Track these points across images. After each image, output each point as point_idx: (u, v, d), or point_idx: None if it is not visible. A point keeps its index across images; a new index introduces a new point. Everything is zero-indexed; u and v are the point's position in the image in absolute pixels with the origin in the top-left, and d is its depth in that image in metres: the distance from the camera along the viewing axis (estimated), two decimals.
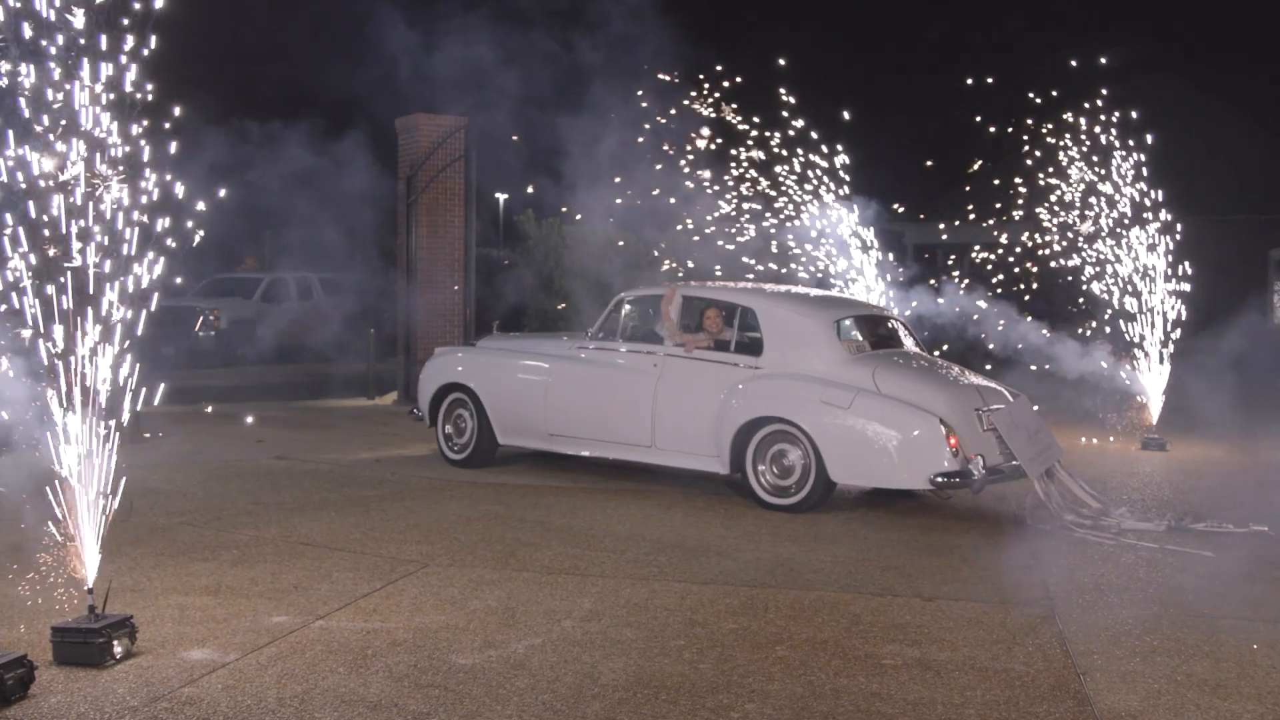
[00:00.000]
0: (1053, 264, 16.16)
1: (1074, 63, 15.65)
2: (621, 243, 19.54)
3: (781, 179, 15.65)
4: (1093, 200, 15.24)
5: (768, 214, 15.92)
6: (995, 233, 19.16)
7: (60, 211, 5.88)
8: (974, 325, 16.16)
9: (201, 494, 10.15)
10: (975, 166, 17.36)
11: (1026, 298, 17.19)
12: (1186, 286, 14.99)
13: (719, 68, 15.96)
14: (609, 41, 16.01)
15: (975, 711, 5.43)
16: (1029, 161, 15.85)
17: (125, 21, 6.11)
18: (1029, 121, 15.82)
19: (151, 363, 6.49)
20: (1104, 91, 15.11)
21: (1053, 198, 15.65)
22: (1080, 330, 15.86)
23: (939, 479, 9.40)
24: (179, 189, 6.40)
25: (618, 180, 16.74)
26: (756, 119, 15.80)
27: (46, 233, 5.91)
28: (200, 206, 6.63)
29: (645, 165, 16.63)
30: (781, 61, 16.05)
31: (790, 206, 15.71)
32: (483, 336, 14.02)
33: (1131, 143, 14.97)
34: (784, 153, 15.61)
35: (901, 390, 9.90)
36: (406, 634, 6.38)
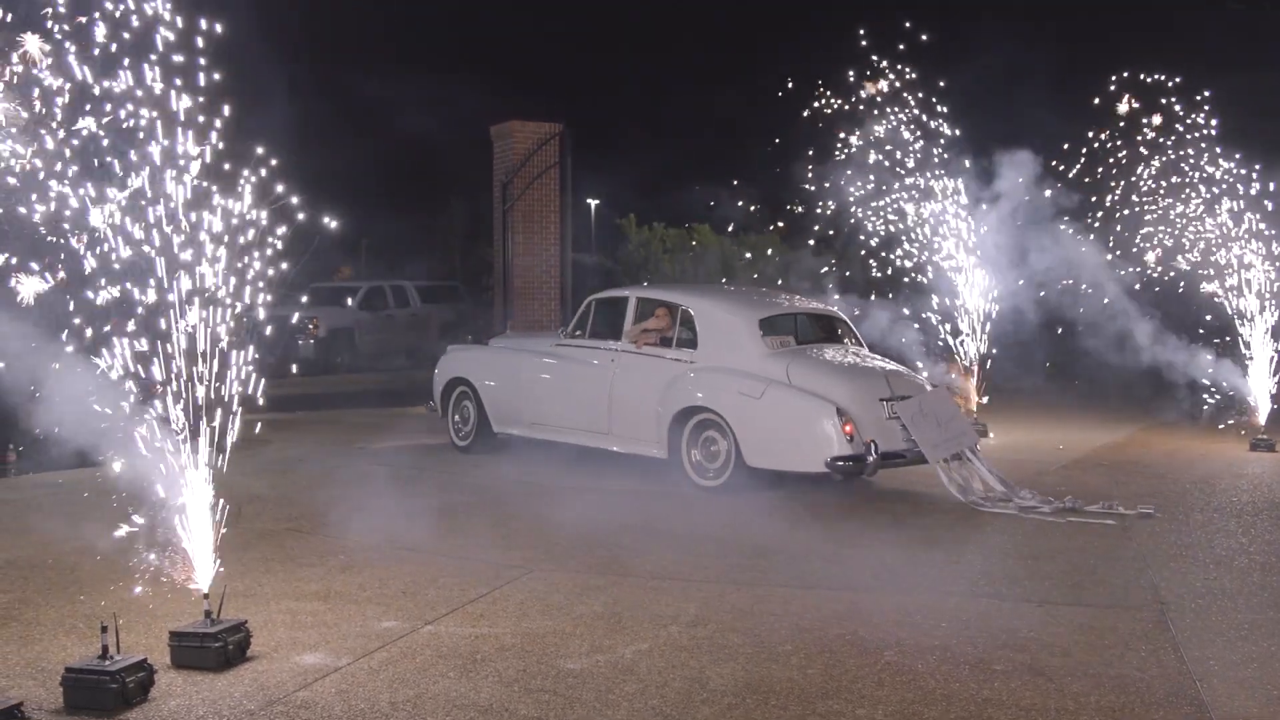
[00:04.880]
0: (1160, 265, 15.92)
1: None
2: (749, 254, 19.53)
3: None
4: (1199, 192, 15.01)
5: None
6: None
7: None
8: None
9: (306, 500, 10.29)
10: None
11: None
12: None
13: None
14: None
15: (1089, 718, 5.35)
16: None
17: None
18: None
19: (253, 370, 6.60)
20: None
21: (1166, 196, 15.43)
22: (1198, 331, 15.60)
23: (837, 462, 10.19)
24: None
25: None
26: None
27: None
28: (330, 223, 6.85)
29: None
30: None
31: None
32: (497, 335, 15.09)
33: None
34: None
35: (809, 382, 10.75)
36: (514, 639, 6.43)
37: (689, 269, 20.71)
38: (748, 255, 21.06)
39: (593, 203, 44.00)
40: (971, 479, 10.61)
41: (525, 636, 6.47)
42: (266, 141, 6.53)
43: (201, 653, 5.89)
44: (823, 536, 9.11)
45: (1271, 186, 14.65)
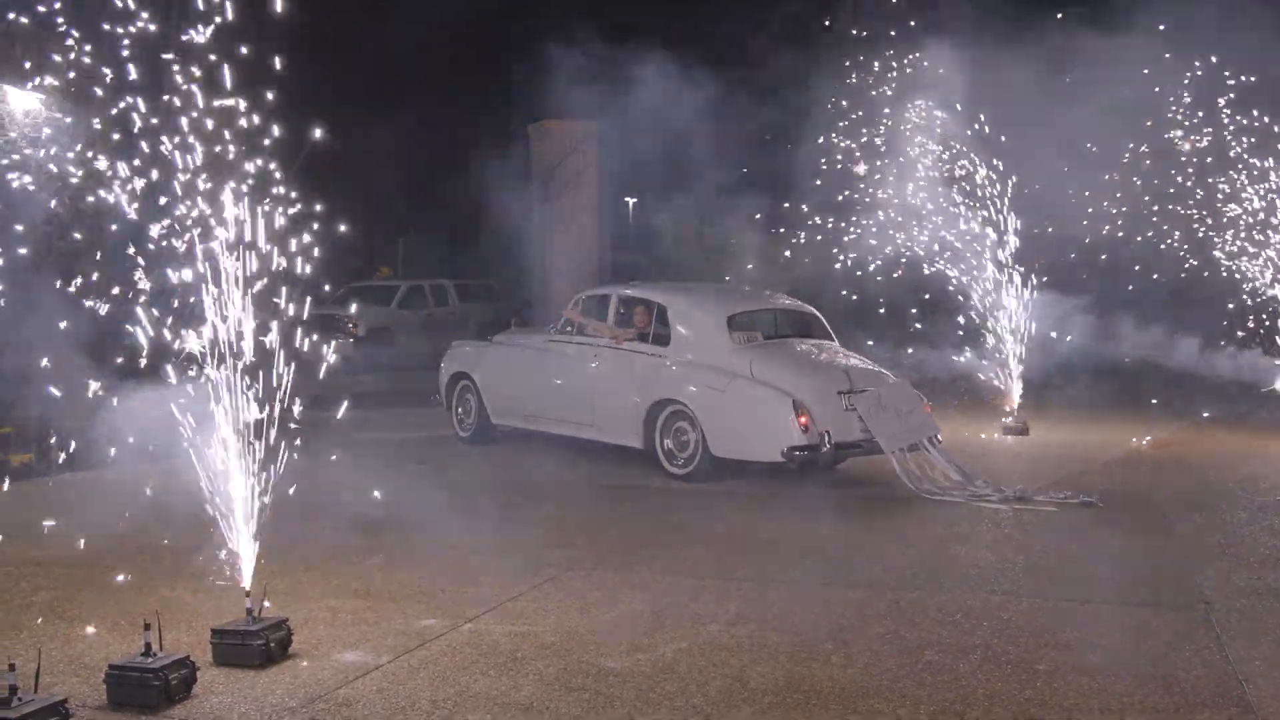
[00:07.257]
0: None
1: None
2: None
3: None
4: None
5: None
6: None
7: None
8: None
9: (344, 499, 10.29)
10: None
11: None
12: None
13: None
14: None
15: (1134, 718, 5.31)
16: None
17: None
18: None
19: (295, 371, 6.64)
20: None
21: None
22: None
23: (793, 452, 10.62)
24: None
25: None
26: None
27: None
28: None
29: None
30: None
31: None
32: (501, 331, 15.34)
33: None
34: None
35: (770, 375, 11.20)
36: (554, 637, 6.43)
37: (724, 267, 20.67)
38: (786, 254, 20.97)
39: (630, 201, 43.97)
40: (930, 469, 10.95)
41: (565, 635, 6.47)
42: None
43: (243, 650, 5.93)
44: (861, 535, 9.07)
45: None
